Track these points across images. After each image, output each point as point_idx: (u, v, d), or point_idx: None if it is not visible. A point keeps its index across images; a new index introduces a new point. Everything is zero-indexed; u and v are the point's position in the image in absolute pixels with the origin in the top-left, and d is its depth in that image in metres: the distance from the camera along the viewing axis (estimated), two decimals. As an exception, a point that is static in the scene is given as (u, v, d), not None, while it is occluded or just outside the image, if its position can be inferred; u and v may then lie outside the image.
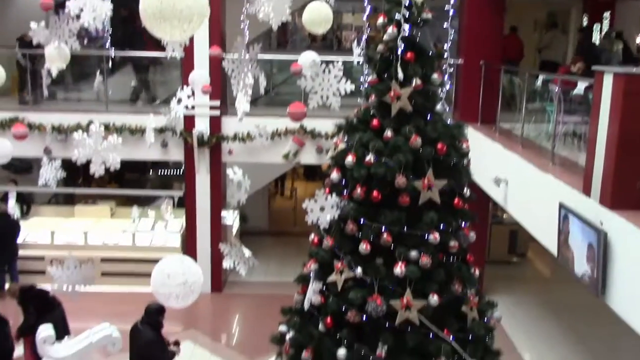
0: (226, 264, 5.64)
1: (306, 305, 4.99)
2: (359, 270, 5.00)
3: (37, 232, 13.01)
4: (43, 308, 8.98)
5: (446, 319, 5.04)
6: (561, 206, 6.87)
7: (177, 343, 7.98)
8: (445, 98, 6.02)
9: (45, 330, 6.35)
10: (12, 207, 13.50)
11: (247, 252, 5.29)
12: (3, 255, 11.81)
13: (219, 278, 13.00)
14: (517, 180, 8.73)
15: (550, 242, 7.37)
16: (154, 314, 7.79)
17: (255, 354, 10.14)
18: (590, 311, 12.18)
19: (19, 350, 9.06)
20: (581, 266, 6.43)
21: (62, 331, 8.16)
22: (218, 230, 12.59)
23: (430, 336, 4.90)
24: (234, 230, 14.49)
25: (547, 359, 10.55)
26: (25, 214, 13.94)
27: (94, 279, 5.74)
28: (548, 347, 11.02)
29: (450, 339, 4.89)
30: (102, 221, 13.88)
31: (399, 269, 4.84)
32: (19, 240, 12.37)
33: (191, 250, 12.16)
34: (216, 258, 12.76)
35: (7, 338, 7.84)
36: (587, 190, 6.28)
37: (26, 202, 14.25)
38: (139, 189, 16.10)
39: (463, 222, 5.27)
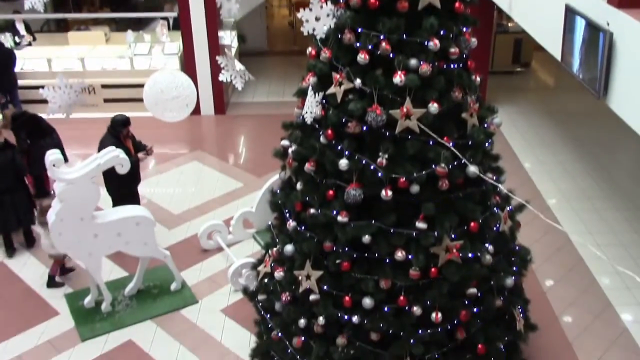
0: (223, 77, 5.58)
1: (308, 118, 5.01)
2: (358, 81, 4.95)
3: (32, 60, 12.83)
4: (36, 134, 9.15)
5: (446, 126, 5.07)
6: (567, 8, 6.64)
7: (148, 152, 8.28)
8: None
9: (54, 154, 6.50)
10: (23, 34, 13.37)
11: (240, 66, 5.20)
12: (1, 84, 11.77)
13: (221, 100, 13.04)
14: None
15: (554, 47, 7.22)
16: (118, 124, 8.07)
17: (262, 171, 10.46)
18: (591, 118, 12.32)
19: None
20: (584, 68, 6.36)
21: None
22: (216, 51, 12.36)
23: (430, 143, 4.98)
24: (233, 51, 14.24)
25: (547, 164, 10.84)
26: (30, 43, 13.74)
27: (86, 100, 5.73)
28: (548, 152, 11.29)
29: (450, 145, 4.96)
30: (97, 48, 13.63)
31: (399, 77, 4.78)
32: (16, 70, 12.27)
33: (191, 73, 12.02)
34: (217, 79, 12.67)
35: (14, 159, 8.11)
36: (595, -11, 6.02)
37: (29, 31, 13.97)
38: (131, 11, 15.58)
39: (464, 27, 5.12)
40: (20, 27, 13.64)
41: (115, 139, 7.97)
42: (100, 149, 7.99)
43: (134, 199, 8.46)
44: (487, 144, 5.42)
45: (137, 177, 8.52)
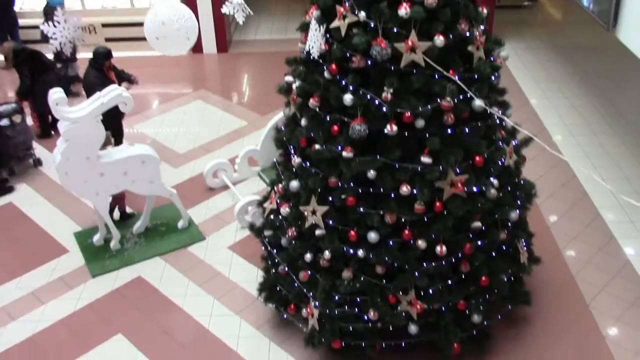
0: (226, 9, 5.50)
1: (315, 52, 4.95)
2: (362, 14, 4.85)
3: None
4: (37, 69, 9.13)
5: (452, 59, 4.99)
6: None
7: (133, 81, 8.35)
8: None
9: (57, 92, 6.47)
10: None
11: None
12: (2, 24, 11.61)
13: (223, 38, 12.86)
14: None
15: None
16: (100, 57, 8.06)
17: (266, 109, 10.42)
18: (599, 52, 12.14)
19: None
20: (594, 0, 6.22)
21: None
22: (218, -13, 12.09)
23: (436, 77, 4.92)
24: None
25: (553, 99, 10.75)
26: None
27: (86, 38, 5.69)
28: (554, 87, 11.18)
29: (456, 78, 4.91)
30: (96, -16, 13.34)
31: (404, 10, 4.67)
32: (16, 9, 12.09)
33: (192, 9, 11.80)
34: (218, 17, 12.47)
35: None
36: None
37: None
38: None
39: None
40: None
41: (98, 71, 7.96)
42: (84, 83, 8.04)
43: (119, 131, 8.51)
44: (493, 78, 5.36)
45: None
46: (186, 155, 9.39)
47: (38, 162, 9.05)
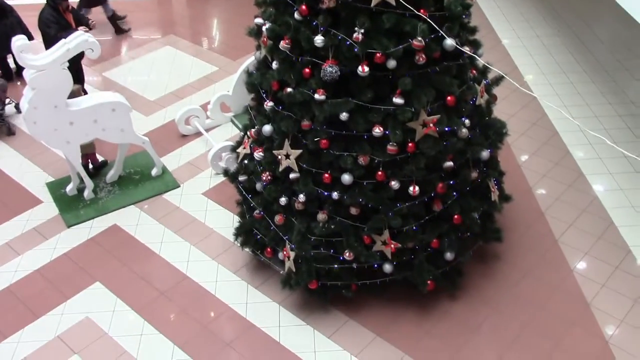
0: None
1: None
2: (331, -48, 4.77)
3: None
4: None
5: (423, -2, 4.98)
6: None
7: (90, 26, 8.19)
8: None
9: (20, 39, 6.29)
10: None
11: None
12: None
13: (191, -20, 12.49)
14: None
15: None
16: None
17: (237, 53, 10.26)
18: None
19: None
20: None
21: None
22: None
23: (407, 16, 4.88)
24: None
25: (525, 39, 10.73)
26: None
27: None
28: (527, 27, 11.14)
29: (427, 17, 4.86)
30: None
31: (374, -53, 4.61)
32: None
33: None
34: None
35: None
36: None
37: None
38: None
39: None
40: None
41: (55, 11, 7.73)
42: (39, 22, 7.84)
43: (79, 74, 8.39)
44: (464, 16, 5.33)
45: (81, 53, 8.37)
46: (157, 102, 9.26)
47: (10, 132, 8.62)
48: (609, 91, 9.15)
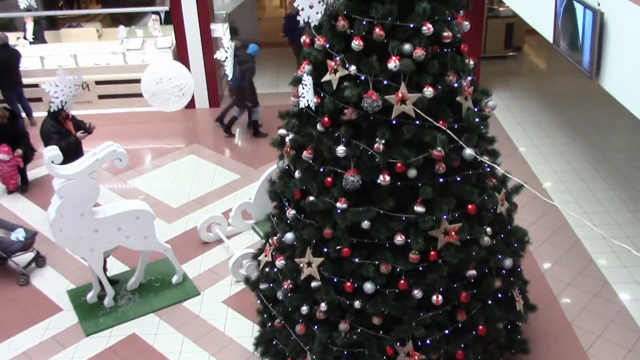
0: (219, 55, 5.56)
1: (311, 103, 5.09)
2: (353, 67, 4.96)
3: (25, 58, 12.78)
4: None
5: (441, 110, 5.10)
6: (558, -10, 6.66)
7: (89, 130, 8.33)
8: None
9: (52, 150, 6.51)
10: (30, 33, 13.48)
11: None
12: (9, 83, 11.75)
13: (215, 93, 13.04)
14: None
15: (546, 29, 7.26)
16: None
17: (258, 162, 10.49)
18: (584, 99, 12.37)
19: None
20: (576, 50, 6.39)
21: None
22: (209, 44, 12.36)
23: (426, 127, 5.01)
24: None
25: (541, 147, 10.89)
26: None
27: (83, 93, 5.75)
28: (542, 135, 11.34)
29: (446, 128, 5.00)
30: (90, 44, 13.59)
31: (393, 63, 4.80)
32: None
33: (185, 65, 12.02)
34: (210, 72, 12.68)
35: None
36: (585, -30, 6.04)
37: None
38: (122, 7, 15.55)
39: (456, 11, 5.14)
40: (29, 26, 13.59)
41: (55, 121, 8.03)
42: (41, 131, 8.12)
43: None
44: (482, 127, 5.47)
45: (80, 156, 8.62)
46: (180, 209, 9.40)
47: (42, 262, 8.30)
48: (630, 198, 9.14)
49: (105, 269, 7.59)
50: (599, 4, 5.73)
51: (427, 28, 4.87)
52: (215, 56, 5.48)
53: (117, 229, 6.99)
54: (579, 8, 6.14)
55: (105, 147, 6.81)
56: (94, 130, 8.45)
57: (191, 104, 12.66)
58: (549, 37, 7.11)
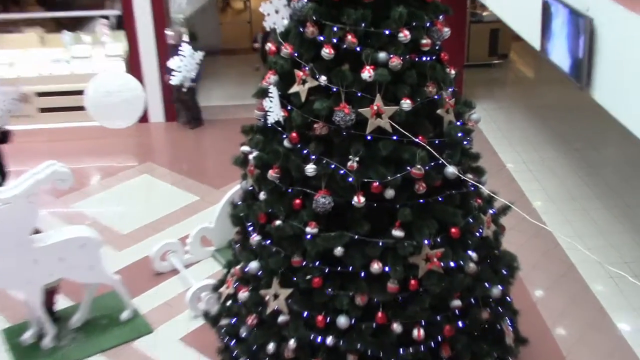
0: (174, 80, 5.55)
1: (278, 117, 5.08)
2: (323, 78, 4.96)
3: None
4: None
5: (420, 124, 5.13)
6: (545, -7, 6.78)
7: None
8: None
9: (-17, 172, 6.36)
10: None
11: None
12: None
13: (171, 105, 12.94)
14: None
15: (533, 36, 7.38)
16: None
17: (220, 182, 10.41)
18: (574, 111, 12.58)
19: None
20: (565, 58, 6.49)
21: None
22: (165, 52, 12.29)
23: (404, 143, 5.02)
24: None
25: (530, 163, 11.02)
26: None
27: (23, 107, 5.66)
28: (531, 149, 11.49)
29: (426, 144, 5.01)
30: (30, 51, 13.40)
31: (367, 73, 4.80)
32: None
33: (137, 76, 11.90)
34: (166, 84, 12.60)
35: None
36: (574, -28, 6.17)
37: None
38: (67, 10, 15.34)
39: (436, 17, 5.18)
40: None
41: None
42: None
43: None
44: (465, 142, 5.49)
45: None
46: (131, 236, 9.25)
47: None
48: (626, 217, 9.27)
49: (52, 303, 7.42)
50: (587, 10, 5.84)
51: (404, 35, 4.90)
52: (168, 64, 5.43)
53: (59, 258, 6.84)
54: (566, 14, 6.25)
55: (46, 167, 6.68)
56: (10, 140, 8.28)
57: (145, 118, 12.54)
58: (536, 45, 7.22)
